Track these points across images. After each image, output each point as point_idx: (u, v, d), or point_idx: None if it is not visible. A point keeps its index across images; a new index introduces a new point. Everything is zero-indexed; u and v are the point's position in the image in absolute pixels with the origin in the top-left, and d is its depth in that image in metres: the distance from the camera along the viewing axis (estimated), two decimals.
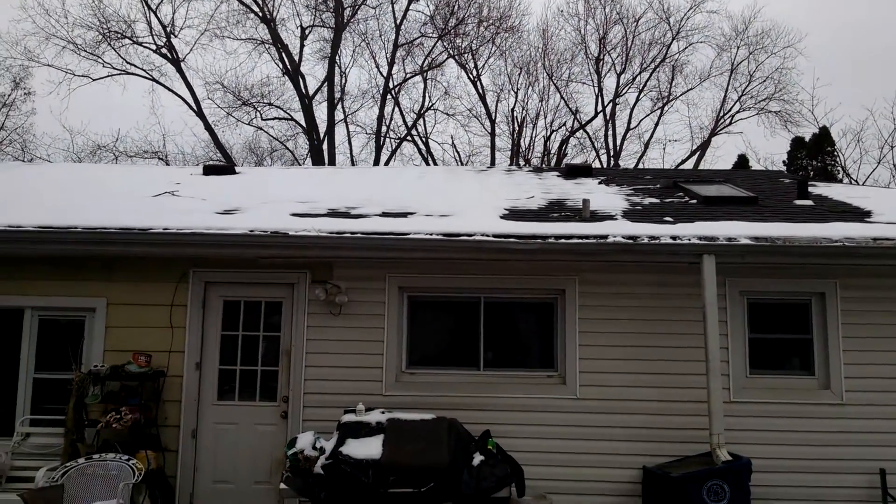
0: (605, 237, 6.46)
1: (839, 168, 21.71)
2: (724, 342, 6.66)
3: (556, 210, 7.71)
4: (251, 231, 6.61)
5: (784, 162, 22.83)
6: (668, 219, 7.13)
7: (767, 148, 40.40)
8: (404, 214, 7.33)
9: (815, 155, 21.59)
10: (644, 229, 6.66)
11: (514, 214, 7.40)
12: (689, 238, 6.42)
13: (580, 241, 6.46)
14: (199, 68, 38.74)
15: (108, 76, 24.95)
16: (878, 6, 37.27)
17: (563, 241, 6.45)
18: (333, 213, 7.36)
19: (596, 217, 7.23)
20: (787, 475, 6.56)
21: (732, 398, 6.69)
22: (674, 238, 6.43)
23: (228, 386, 7.07)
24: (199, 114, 25.15)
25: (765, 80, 26.03)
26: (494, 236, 6.53)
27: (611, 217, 7.27)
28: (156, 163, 25.01)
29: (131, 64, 25.05)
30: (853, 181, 21.21)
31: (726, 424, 6.22)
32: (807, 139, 22.75)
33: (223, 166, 11.44)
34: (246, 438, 6.93)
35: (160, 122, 42.71)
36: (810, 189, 8.78)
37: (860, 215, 7.39)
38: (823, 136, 22.17)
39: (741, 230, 6.57)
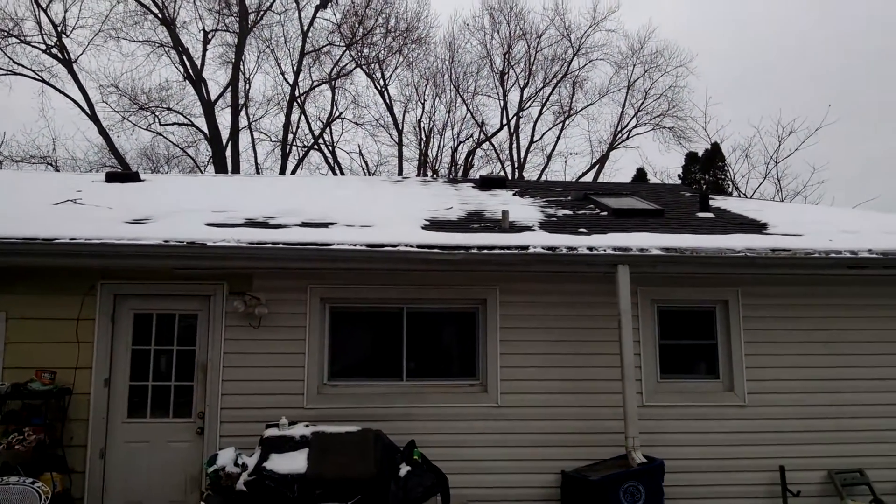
0: (526, 248, 6.62)
1: (729, 182, 23.05)
2: (637, 348, 6.93)
3: (475, 221, 7.84)
4: (166, 241, 6.38)
5: (679, 176, 24.04)
6: (582, 230, 7.38)
7: (663, 162, 42.44)
8: (325, 225, 7.27)
9: (708, 169, 22.85)
10: (562, 240, 6.86)
11: (434, 225, 7.47)
12: (604, 249, 6.67)
13: (502, 251, 6.59)
14: (92, 70, 36.73)
15: None
16: (763, 29, 39.90)
17: (486, 251, 6.57)
18: (251, 223, 7.20)
19: (515, 228, 7.39)
20: (697, 475, 6.89)
21: (645, 402, 6.98)
22: (590, 249, 6.66)
23: (140, 402, 6.78)
24: (93, 117, 23.99)
25: (659, 98, 27.37)
26: (418, 246, 6.56)
27: (529, 228, 7.45)
28: (45, 168, 23.65)
29: (19, 64, 23.65)
30: (742, 194, 22.54)
31: (640, 427, 6.48)
32: (700, 154, 24.05)
33: (127, 173, 10.97)
34: (159, 457, 6.66)
35: (50, 126, 40.36)
36: (710, 202, 9.29)
37: (758, 227, 7.88)
38: (715, 151, 23.50)
39: (652, 241, 6.88)
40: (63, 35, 23.84)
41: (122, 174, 10.90)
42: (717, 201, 10.03)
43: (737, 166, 25.74)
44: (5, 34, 23.09)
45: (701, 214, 8.58)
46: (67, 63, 23.92)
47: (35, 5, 23.32)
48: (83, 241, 6.28)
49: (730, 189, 22.71)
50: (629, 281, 6.59)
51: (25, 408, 6.31)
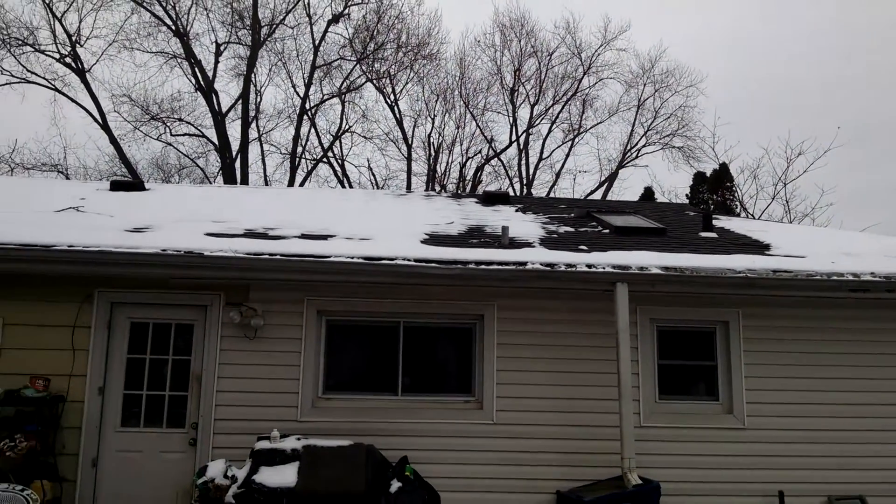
0: (524, 264, 6.57)
1: (737, 202, 22.93)
2: (634, 368, 6.85)
3: (475, 236, 7.80)
4: (163, 250, 6.37)
5: (687, 195, 23.93)
6: (583, 247, 7.33)
7: (671, 181, 42.35)
8: (324, 237, 7.25)
9: (716, 189, 22.75)
10: (561, 257, 6.81)
11: (434, 239, 7.44)
12: (603, 266, 6.61)
13: (500, 267, 6.55)
14: (105, 80, 37.15)
15: (6, 84, 23.64)
16: (776, 52, 39.88)
17: (483, 266, 6.53)
18: (251, 234, 7.20)
19: (514, 244, 7.35)
20: (694, 498, 6.78)
21: (643, 423, 6.89)
22: (589, 266, 6.61)
23: (133, 412, 6.75)
24: (104, 127, 24.14)
25: (669, 117, 27.35)
26: (415, 261, 6.54)
27: (529, 244, 7.41)
28: (55, 176, 23.82)
29: (32, 72, 23.84)
30: (750, 215, 22.42)
31: (637, 448, 6.40)
32: (708, 174, 23.98)
33: (132, 182, 11.02)
34: (151, 467, 6.61)
35: (61, 134, 40.64)
36: (714, 222, 9.23)
37: (760, 248, 7.81)
38: (723, 171, 23.41)
39: (652, 260, 6.82)
40: (77, 44, 24.07)
41: (127, 183, 10.93)
42: (722, 221, 9.96)
43: (745, 187, 25.60)
44: (20, 42, 23.33)
45: (704, 234, 8.52)
46: (81, 72, 24.13)
47: (50, 14, 23.59)
48: (81, 249, 6.28)
49: (738, 210, 22.61)
50: (628, 299, 6.53)
51: (18, 414, 6.28)
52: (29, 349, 6.56)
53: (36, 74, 23.87)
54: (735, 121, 34.75)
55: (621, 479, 6.34)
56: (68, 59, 24.00)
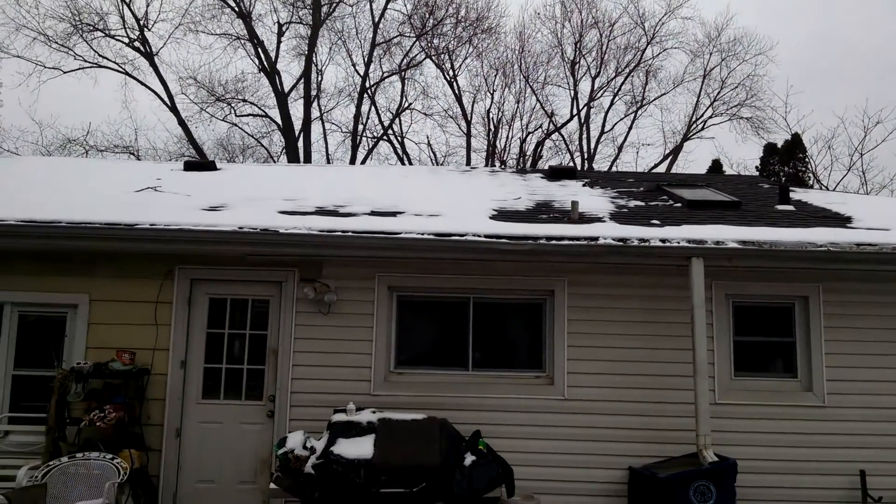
0: (596, 239, 6.50)
1: (810, 174, 22.15)
2: (709, 344, 6.73)
3: (543, 211, 7.75)
4: (240, 228, 6.54)
5: (757, 168, 23.21)
6: (655, 222, 7.20)
7: (739, 153, 41.13)
8: (393, 214, 7.31)
9: (788, 161, 21.99)
10: (633, 232, 6.71)
11: (502, 215, 7.42)
12: (678, 241, 6.49)
13: (571, 242, 6.50)
14: (172, 62, 38.14)
15: (79, 69, 24.53)
16: (851, 16, 38.11)
17: (554, 242, 6.48)
18: (321, 212, 7.30)
19: (584, 219, 7.27)
20: (771, 476, 6.66)
21: (718, 400, 6.78)
22: (663, 241, 6.49)
23: (213, 384, 6.98)
24: (173, 109, 24.80)
25: (737, 87, 26.52)
26: (486, 237, 6.54)
27: (599, 219, 7.32)
28: (126, 157, 24.60)
29: (103, 57, 24.65)
30: (824, 187, 21.66)
31: (711, 425, 6.30)
32: (779, 145, 23.17)
33: (204, 162, 11.29)
34: (231, 438, 6.84)
35: (132, 117, 41.99)
36: (790, 195, 8.93)
37: (841, 221, 7.54)
38: (795, 142, 22.59)
39: (728, 234, 6.66)
40: (145, 29, 24.73)
41: (200, 163, 11.21)
42: (798, 194, 9.63)
43: (818, 158, 24.69)
44: (91, 28, 24.10)
45: (780, 207, 8.26)
46: (149, 56, 24.79)
47: (119, 0, 24.22)
48: (163, 227, 6.50)
49: (811, 182, 21.83)
50: (703, 275, 6.40)
51: (106, 387, 6.57)
52: (114, 324, 6.84)
53: (107, 59, 24.70)
54: (808, 89, 33.50)
55: (696, 455, 6.27)
56: (137, 44, 24.72)
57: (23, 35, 24.03)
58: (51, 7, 29.57)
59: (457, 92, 27.09)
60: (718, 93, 26.70)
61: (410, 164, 26.84)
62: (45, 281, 6.90)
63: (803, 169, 21.98)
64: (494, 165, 26.01)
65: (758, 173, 22.46)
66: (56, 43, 23.85)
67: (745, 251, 6.44)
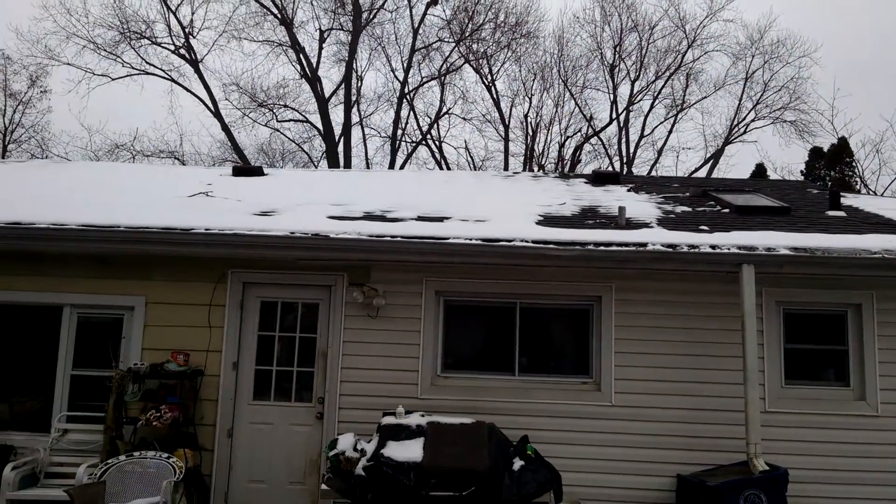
0: (645, 245, 6.49)
1: (858, 179, 21.70)
2: (760, 352, 6.65)
3: (590, 217, 7.74)
4: (292, 233, 6.66)
5: (802, 172, 22.81)
6: (703, 227, 7.16)
7: (783, 157, 40.35)
8: (440, 219, 7.37)
9: (834, 165, 21.55)
10: (682, 238, 6.68)
11: (548, 221, 7.44)
12: (728, 247, 6.44)
13: (620, 248, 6.49)
14: (216, 69, 38.82)
15: (126, 76, 25.15)
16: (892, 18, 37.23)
17: (602, 248, 6.48)
18: (369, 217, 7.40)
19: (632, 225, 7.25)
20: (822, 486, 6.56)
21: (768, 408, 6.70)
22: (713, 247, 6.45)
23: (264, 386, 7.11)
24: (217, 114, 25.28)
25: (780, 90, 26.07)
26: (533, 242, 6.56)
27: (646, 225, 7.29)
28: (172, 162, 25.15)
29: (150, 64, 25.24)
30: (872, 192, 21.19)
31: (761, 434, 6.23)
32: (825, 149, 22.73)
33: (252, 168, 11.50)
34: (281, 438, 6.97)
35: (177, 123, 42.95)
36: (841, 200, 8.78)
37: (894, 227, 7.39)
38: (842, 146, 22.13)
39: (779, 240, 6.59)
40: (190, 36, 25.26)
41: (248, 168, 11.42)
42: (849, 199, 9.47)
43: (866, 162, 24.13)
44: (138, 36, 24.68)
45: (831, 213, 8.13)
46: (194, 63, 25.29)
47: (165, 8, 24.82)
48: (217, 232, 6.65)
49: (858, 186, 21.38)
50: (754, 282, 6.34)
51: (162, 387, 6.74)
52: (169, 326, 7.02)
53: (153, 66, 25.28)
54: (855, 92, 32.75)
55: (745, 464, 6.21)
56: (182, 51, 25.22)
57: (73, 43, 24.68)
58: (100, 16, 30.33)
59: (495, 96, 27.17)
60: (761, 96, 26.33)
61: (448, 168, 26.96)
62: (102, 284, 7.11)
63: (850, 173, 21.53)
64: (533, 170, 25.97)
65: (803, 178, 22.08)
66: (105, 50, 24.54)
67: (797, 258, 6.36)
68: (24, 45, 36.52)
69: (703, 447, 6.66)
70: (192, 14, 26.11)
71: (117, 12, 24.63)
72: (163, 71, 25.34)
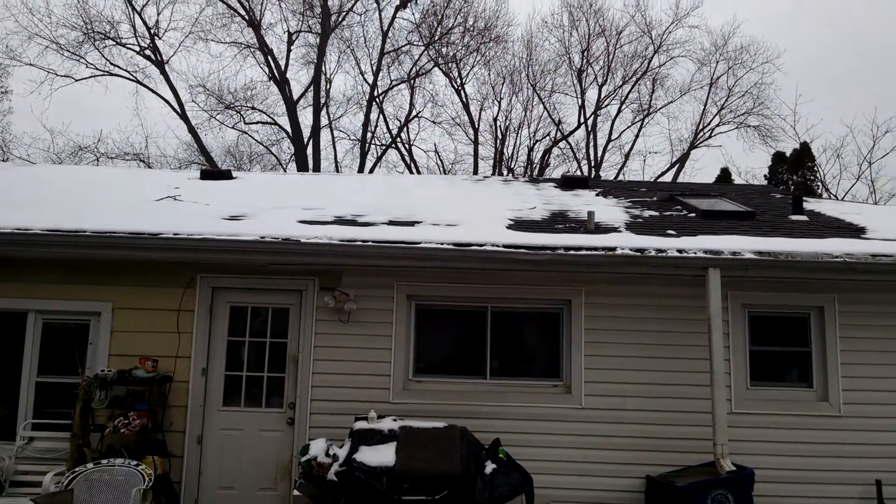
0: (614, 249, 6.57)
1: (819, 183, 22.18)
2: (726, 354, 6.77)
3: (559, 221, 7.82)
4: (262, 238, 6.62)
5: (765, 176, 23.24)
6: (670, 232, 7.27)
7: (747, 162, 41.04)
8: (412, 223, 7.39)
9: (796, 170, 22.00)
10: (650, 242, 6.78)
11: (519, 225, 7.50)
12: (695, 251, 6.55)
13: (589, 252, 6.56)
14: (182, 71, 38.37)
15: (90, 77, 24.73)
16: (854, 26, 38.18)
17: (572, 252, 6.55)
18: (341, 221, 7.39)
19: (601, 229, 7.34)
20: (786, 485, 6.71)
21: (734, 409, 6.83)
22: (680, 251, 6.56)
23: (234, 392, 7.05)
24: (183, 116, 24.98)
25: (743, 95, 26.55)
26: (504, 246, 6.60)
27: (615, 229, 7.39)
28: (137, 165, 24.79)
29: (115, 65, 24.85)
30: (833, 196, 21.68)
31: (728, 435, 6.35)
32: (787, 154, 23.20)
33: (220, 171, 11.38)
34: (251, 444, 6.92)
35: (143, 124, 42.30)
36: (804, 205, 8.99)
37: (855, 231, 7.59)
38: (804, 151, 22.61)
39: (744, 244, 6.71)
40: (156, 37, 24.93)
41: (216, 172, 11.30)
42: (811, 204, 9.69)
43: (827, 167, 24.64)
44: (103, 36, 24.29)
45: (794, 217, 8.32)
46: (160, 64, 24.97)
47: (130, 9, 24.46)
48: (186, 237, 6.58)
49: (820, 191, 21.85)
50: (720, 285, 6.46)
51: (130, 394, 6.66)
52: (137, 332, 6.93)
53: (118, 67, 24.90)
54: (817, 97, 33.50)
55: (713, 465, 6.31)
56: (148, 52, 24.92)
57: (35, 43, 24.17)
58: (63, 16, 29.73)
59: (465, 100, 27.25)
60: (725, 101, 26.77)
61: (418, 171, 26.96)
62: (68, 289, 7.00)
63: (812, 178, 22.00)
64: (502, 173, 26.11)
65: (766, 182, 22.50)
66: (68, 51, 24.10)
67: (762, 262, 6.50)
68: None
69: (672, 448, 6.76)
70: (158, 15, 25.74)
71: (81, 12, 24.24)
72: (128, 72, 25.01)
